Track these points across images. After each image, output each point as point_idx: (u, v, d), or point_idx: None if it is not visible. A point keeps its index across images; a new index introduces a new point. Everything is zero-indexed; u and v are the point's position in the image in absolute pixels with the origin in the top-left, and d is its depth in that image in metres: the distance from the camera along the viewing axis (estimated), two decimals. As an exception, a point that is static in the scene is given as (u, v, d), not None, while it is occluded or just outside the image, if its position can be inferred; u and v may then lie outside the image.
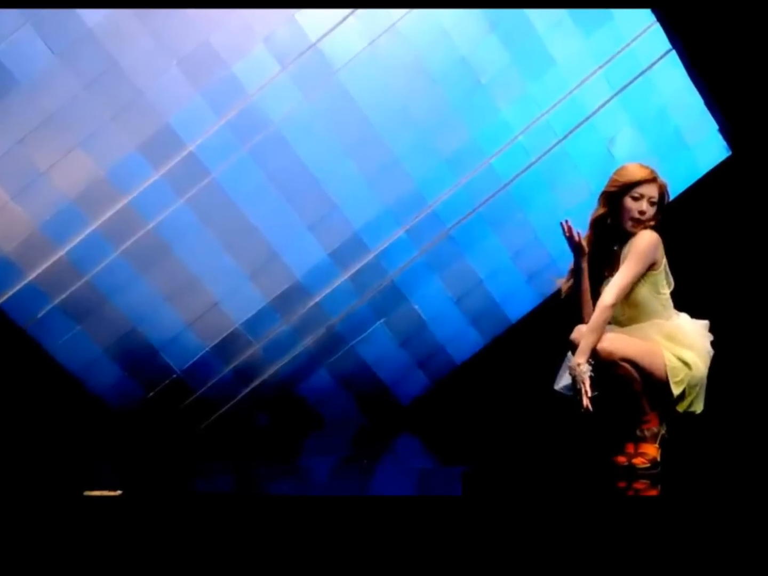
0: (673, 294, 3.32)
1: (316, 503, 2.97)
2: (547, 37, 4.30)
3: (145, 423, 4.36)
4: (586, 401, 3.09)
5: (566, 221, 3.26)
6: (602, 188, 3.32)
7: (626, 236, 3.26)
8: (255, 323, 4.37)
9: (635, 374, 3.16)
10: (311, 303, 4.41)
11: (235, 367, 4.42)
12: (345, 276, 4.41)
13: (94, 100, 4.11)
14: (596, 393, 3.13)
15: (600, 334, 3.15)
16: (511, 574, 2.63)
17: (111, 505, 3.03)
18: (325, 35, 4.21)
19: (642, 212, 3.23)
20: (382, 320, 4.47)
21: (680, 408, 3.25)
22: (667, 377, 3.19)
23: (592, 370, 3.13)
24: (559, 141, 4.42)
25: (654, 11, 4.32)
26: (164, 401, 4.38)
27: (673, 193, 3.46)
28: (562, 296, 3.37)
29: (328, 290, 4.41)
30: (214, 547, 2.74)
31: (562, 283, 3.38)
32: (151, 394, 4.37)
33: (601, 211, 3.29)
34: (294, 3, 4.15)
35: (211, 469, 3.90)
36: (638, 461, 3.18)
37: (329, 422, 4.52)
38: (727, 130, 4.46)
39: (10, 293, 4.21)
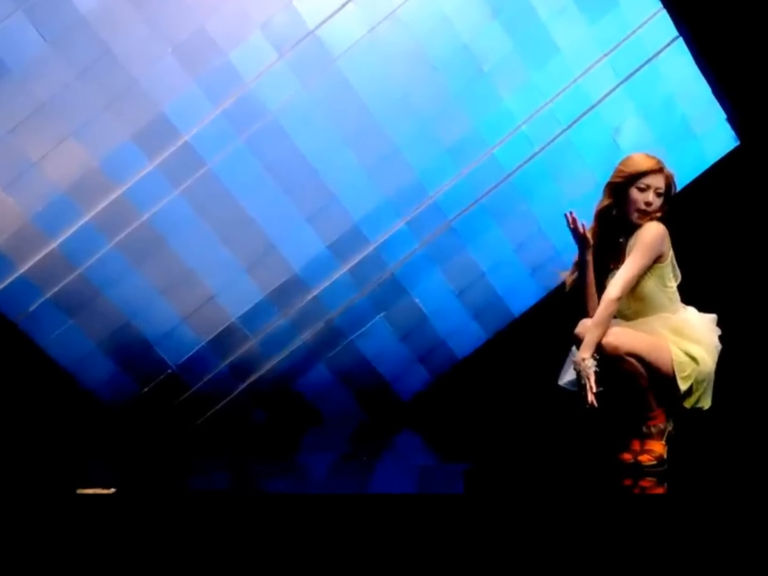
0: (680, 287, 3.30)
1: (315, 501, 2.95)
2: (550, 24, 4.28)
3: (139, 419, 4.34)
4: (590, 397, 3.08)
5: (571, 213, 3.23)
6: (607, 179, 3.29)
7: (632, 228, 3.24)
8: (252, 317, 4.35)
9: (641, 369, 3.15)
10: (309, 296, 4.38)
11: (232, 362, 4.40)
12: (344, 269, 4.38)
13: (87, 88, 4.09)
14: (601, 389, 3.12)
15: (605, 328, 3.13)
16: (513, 573, 2.61)
17: (105, 503, 2.98)
18: (323, 22, 4.18)
19: (648, 203, 3.22)
20: (382, 314, 4.45)
21: (687, 404, 3.23)
22: (673, 372, 3.17)
23: (597, 365, 3.11)
24: (564, 130, 4.39)
25: (660, -3, 4.31)
26: (159, 397, 4.36)
27: (680, 184, 3.43)
28: (567, 290, 3.36)
29: (326, 283, 4.38)
30: (210, 546, 2.74)
31: (566, 276, 3.37)
32: (145, 389, 4.35)
33: (607, 202, 3.27)
34: (292, -11, 4.15)
35: (207, 467, 3.88)
36: (644, 458, 3.16)
37: (328, 418, 4.51)
38: (735, 119, 4.44)
39: (1, 286, 4.18)
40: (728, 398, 3.38)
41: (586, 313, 3.24)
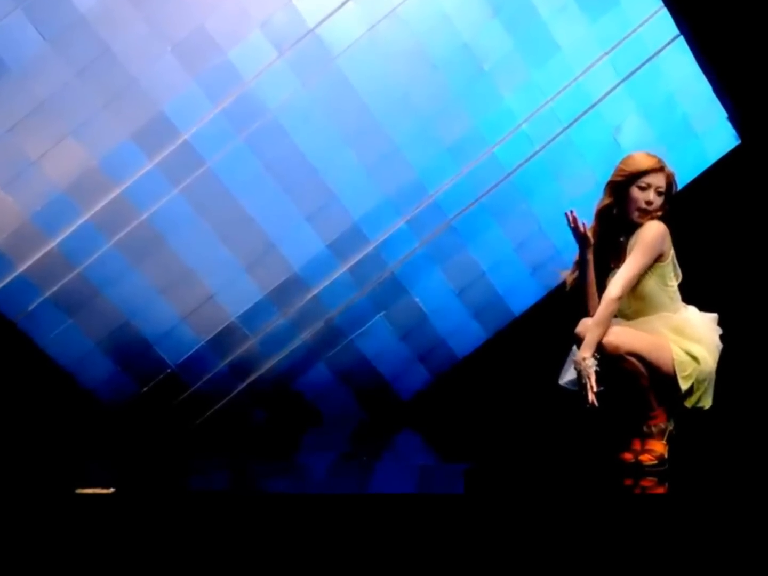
0: (680, 286, 3.29)
1: (315, 501, 2.94)
2: (551, 22, 4.27)
3: (138, 419, 4.33)
4: (591, 396, 3.07)
5: (571, 212, 3.22)
6: (608, 178, 3.29)
7: (633, 227, 3.23)
8: (251, 316, 4.33)
9: (642, 369, 3.14)
10: (309, 296, 4.37)
11: (231, 362, 4.39)
12: (344, 268, 4.37)
13: (87, 87, 4.08)
14: (602, 388, 3.11)
15: (606, 327, 3.12)
16: (514, 573, 2.60)
17: (104, 502, 2.97)
18: (323, 20, 4.17)
19: (649, 202, 3.21)
20: (382, 313, 4.44)
21: (688, 403, 3.22)
22: (674, 372, 3.16)
23: (597, 365, 3.10)
24: (564, 129, 4.38)
25: (661, -5, 4.30)
26: (158, 396, 4.34)
27: (681, 183, 3.43)
28: (567, 289, 3.35)
29: (326, 282, 4.37)
30: (209, 547, 2.73)
31: (566, 275, 3.36)
32: (144, 389, 4.34)
33: (607, 201, 3.27)
34: (291, -13, 4.14)
35: (206, 466, 3.86)
36: (645, 458, 3.15)
37: (328, 418, 4.49)
38: (736, 117, 4.43)
39: (0, 286, 4.16)
40: (729, 398, 3.36)
41: (586, 313, 3.23)
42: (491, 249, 4.45)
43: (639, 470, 3.12)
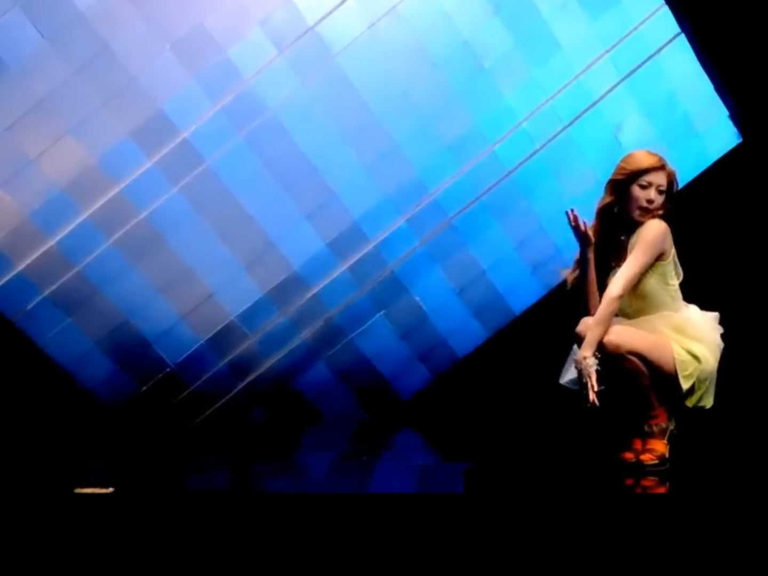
0: (681, 285, 3.29)
1: (315, 501, 2.94)
2: (552, 20, 4.27)
3: (137, 418, 4.32)
4: (592, 396, 3.07)
5: (572, 210, 3.23)
6: (609, 176, 3.29)
7: (634, 226, 3.23)
8: (251, 315, 4.33)
9: (643, 368, 3.14)
10: (309, 294, 4.36)
11: (231, 361, 4.38)
12: (344, 267, 4.36)
13: (85, 85, 4.07)
14: (603, 387, 3.11)
15: (607, 326, 3.12)
16: (514, 573, 2.59)
17: (103, 502, 2.97)
18: (323, 18, 4.17)
19: (650, 201, 3.21)
20: (382, 312, 4.43)
21: (689, 403, 3.22)
22: (675, 371, 3.16)
23: (598, 364, 3.10)
24: (565, 127, 4.38)
25: (662, -7, 4.29)
26: (157, 395, 4.34)
27: (682, 181, 3.45)
28: (568, 288, 3.35)
29: (326, 281, 4.36)
30: (209, 546, 2.73)
31: (567, 274, 3.37)
32: (143, 388, 4.33)
33: (608, 199, 3.27)
34: (291, -15, 4.13)
35: (206, 466, 3.86)
36: (646, 458, 3.15)
37: (328, 417, 4.49)
38: (737, 116, 4.43)
39: (-1, 284, 4.19)
40: (730, 397, 3.36)
41: (587, 312, 3.23)
42: (491, 248, 4.44)
43: (640, 470, 3.12)
